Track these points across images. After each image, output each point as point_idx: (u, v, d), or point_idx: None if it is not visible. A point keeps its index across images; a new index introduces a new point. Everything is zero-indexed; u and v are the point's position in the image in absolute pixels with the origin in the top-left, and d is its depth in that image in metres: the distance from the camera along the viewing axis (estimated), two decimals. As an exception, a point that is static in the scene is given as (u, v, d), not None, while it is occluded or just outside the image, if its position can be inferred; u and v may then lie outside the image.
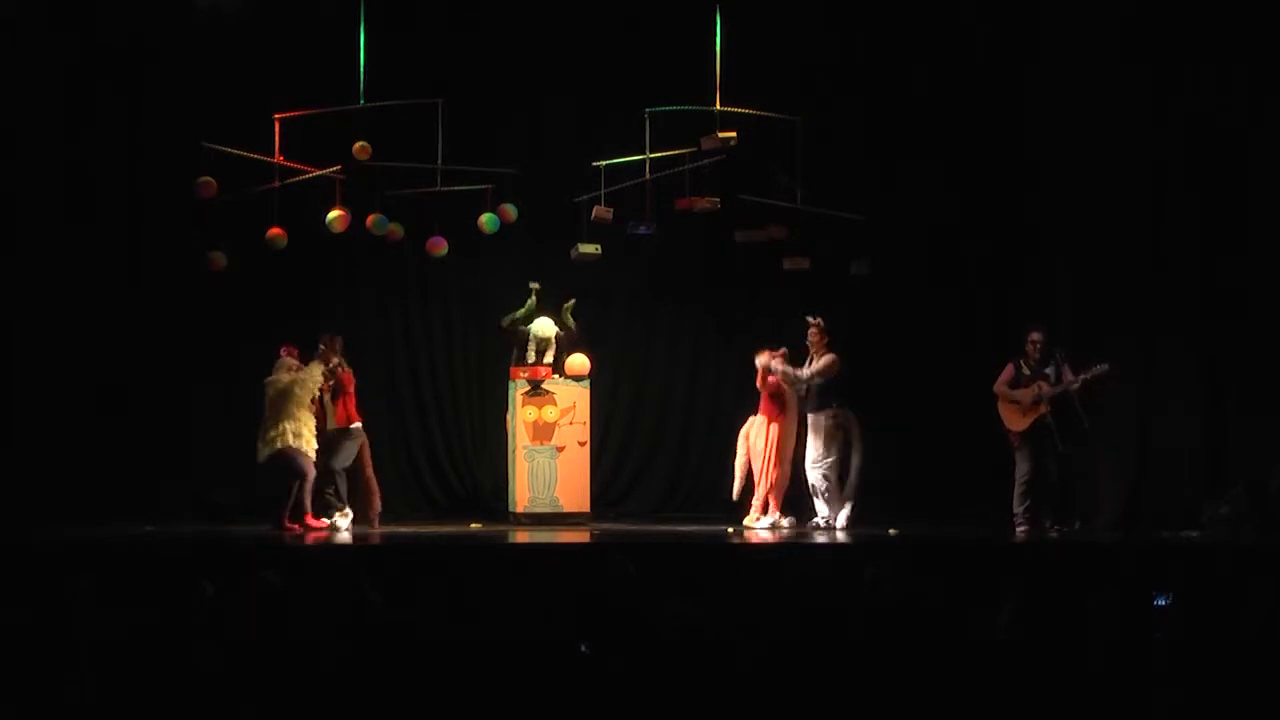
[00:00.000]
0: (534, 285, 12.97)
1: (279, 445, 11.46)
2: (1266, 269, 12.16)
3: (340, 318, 13.30)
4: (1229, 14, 12.26)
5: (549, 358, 12.97)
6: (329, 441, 11.84)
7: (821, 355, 12.36)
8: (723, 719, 5.30)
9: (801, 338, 12.58)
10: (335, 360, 11.84)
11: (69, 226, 12.49)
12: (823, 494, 12.36)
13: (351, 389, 11.97)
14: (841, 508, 12.35)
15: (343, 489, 11.96)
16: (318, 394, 11.73)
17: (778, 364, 12.43)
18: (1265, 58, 12.12)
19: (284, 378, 11.58)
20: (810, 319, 12.46)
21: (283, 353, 11.78)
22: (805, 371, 12.36)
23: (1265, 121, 12.15)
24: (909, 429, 13.15)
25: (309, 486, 11.61)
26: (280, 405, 11.52)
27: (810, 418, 12.43)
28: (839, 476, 12.37)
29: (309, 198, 11.82)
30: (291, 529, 11.49)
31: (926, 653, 5.60)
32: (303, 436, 11.54)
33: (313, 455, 11.59)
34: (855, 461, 12.37)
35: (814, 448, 12.38)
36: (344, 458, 11.92)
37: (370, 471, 12.09)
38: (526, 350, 12.94)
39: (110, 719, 5.40)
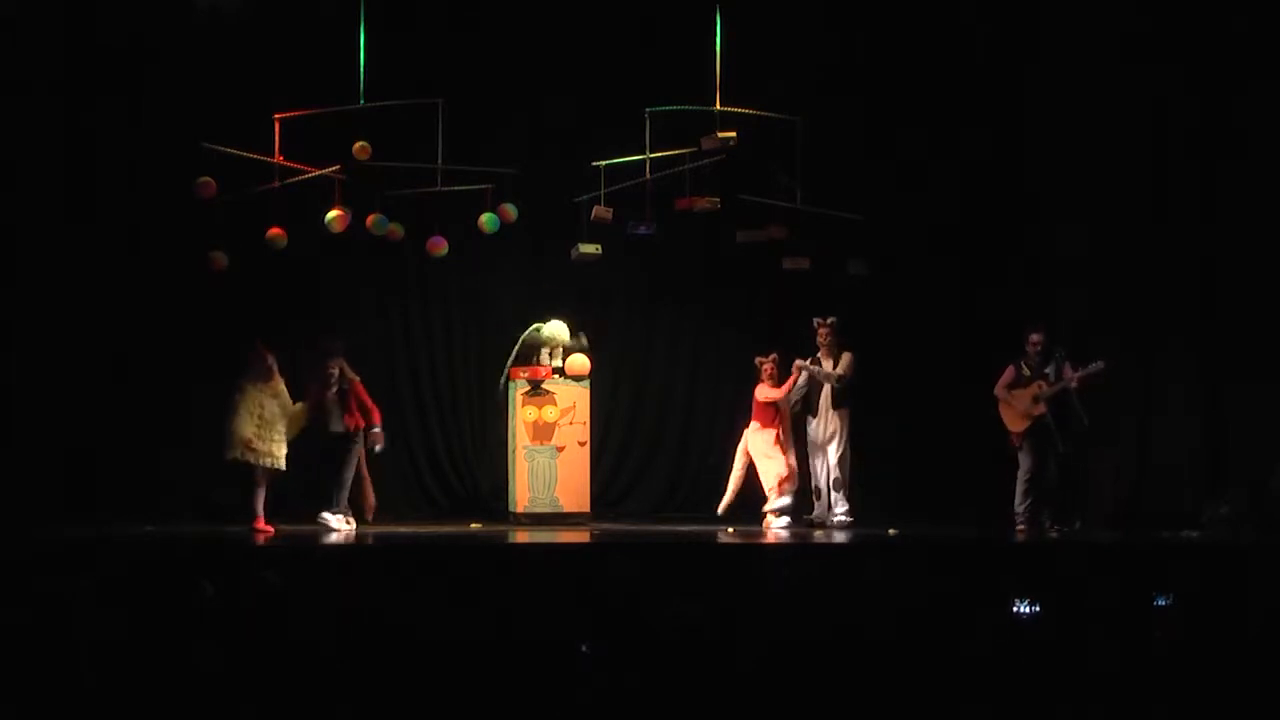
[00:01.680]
0: (537, 326, 13.00)
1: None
2: (1267, 269, 12.16)
3: (340, 318, 13.32)
4: (1228, 14, 12.27)
5: (557, 361, 12.99)
6: (338, 446, 11.84)
7: (838, 355, 12.48)
8: (723, 719, 5.30)
9: (804, 338, 12.60)
10: (337, 372, 11.82)
11: (69, 226, 12.48)
12: (834, 488, 12.44)
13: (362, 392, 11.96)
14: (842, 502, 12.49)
15: (343, 494, 11.93)
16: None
17: (809, 364, 12.46)
18: (1265, 57, 12.12)
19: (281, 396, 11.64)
20: (820, 320, 12.50)
21: (265, 356, 11.71)
22: (835, 371, 12.41)
23: (1266, 121, 12.15)
24: (909, 429, 13.17)
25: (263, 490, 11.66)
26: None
27: (835, 413, 12.52)
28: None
29: (309, 198, 11.80)
30: (265, 530, 11.54)
31: (924, 652, 5.60)
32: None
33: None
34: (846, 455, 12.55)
35: (839, 443, 12.44)
36: (352, 462, 11.91)
37: (364, 469, 12.09)
38: (534, 358, 13.00)
39: (110, 719, 5.40)
